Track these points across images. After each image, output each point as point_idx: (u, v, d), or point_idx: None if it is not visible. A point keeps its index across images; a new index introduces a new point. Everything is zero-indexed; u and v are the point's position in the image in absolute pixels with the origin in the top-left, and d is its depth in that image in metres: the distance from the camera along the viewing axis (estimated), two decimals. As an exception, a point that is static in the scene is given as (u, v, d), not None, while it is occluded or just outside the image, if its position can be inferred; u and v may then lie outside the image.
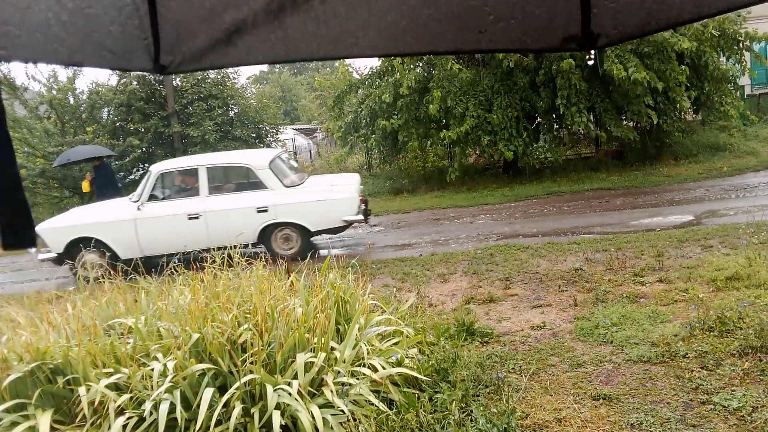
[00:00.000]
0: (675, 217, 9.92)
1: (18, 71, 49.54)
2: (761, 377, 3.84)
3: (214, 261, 5.08)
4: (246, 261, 5.27)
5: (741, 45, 16.29)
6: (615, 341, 4.75)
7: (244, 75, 71.78)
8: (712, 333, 4.56)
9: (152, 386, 3.38)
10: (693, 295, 5.65)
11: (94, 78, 40.71)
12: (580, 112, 14.54)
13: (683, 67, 14.37)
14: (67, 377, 3.53)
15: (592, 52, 2.42)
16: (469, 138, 15.47)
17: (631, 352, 4.48)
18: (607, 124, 15.33)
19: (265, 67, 59.49)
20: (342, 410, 3.44)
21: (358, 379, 3.76)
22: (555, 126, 16.60)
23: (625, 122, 15.61)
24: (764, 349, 4.12)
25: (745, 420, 3.38)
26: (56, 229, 9.43)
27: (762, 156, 15.76)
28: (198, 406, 3.24)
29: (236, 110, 21.94)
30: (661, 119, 15.71)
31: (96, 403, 3.37)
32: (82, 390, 3.38)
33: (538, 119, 15.89)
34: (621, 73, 13.48)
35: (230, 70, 22.23)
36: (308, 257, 5.96)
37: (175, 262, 5.34)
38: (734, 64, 16.79)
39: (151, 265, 7.89)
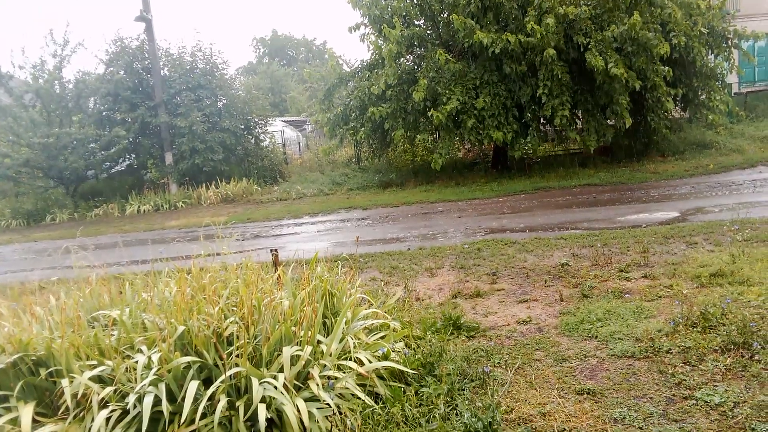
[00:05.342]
0: (661, 214, 10.00)
1: (3, 59, 48.73)
2: (743, 373, 3.88)
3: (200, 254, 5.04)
4: (234, 254, 5.24)
5: (730, 43, 16.42)
6: (600, 336, 4.78)
7: (233, 66, 71.06)
8: (695, 329, 4.61)
9: (136, 379, 3.35)
10: (677, 291, 5.70)
11: (81, 67, 40.24)
12: (562, 105, 14.62)
13: (667, 68, 14.49)
14: (50, 369, 3.49)
15: None
16: (456, 123, 15.48)
17: (615, 347, 4.52)
18: (588, 125, 15.49)
19: (254, 59, 59.13)
20: (328, 404, 3.44)
21: (344, 372, 3.76)
22: (542, 120, 16.68)
23: (608, 120, 15.72)
24: (746, 345, 4.17)
25: (726, 415, 3.42)
26: None
27: (747, 154, 15.92)
28: (183, 399, 3.22)
29: (224, 101, 21.79)
30: (648, 116, 15.83)
31: (79, 395, 3.34)
32: (65, 382, 3.35)
33: (528, 113, 15.96)
34: (599, 63, 13.59)
35: (219, 60, 22.03)
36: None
37: (160, 252, 5.30)
38: (722, 62, 16.92)
39: None
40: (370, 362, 3.89)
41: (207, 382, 3.45)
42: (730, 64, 16.88)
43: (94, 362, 3.57)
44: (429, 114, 15.22)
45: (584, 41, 14.24)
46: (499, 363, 4.45)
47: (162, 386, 3.27)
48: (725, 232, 7.77)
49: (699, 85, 16.34)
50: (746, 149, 16.51)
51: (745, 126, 19.07)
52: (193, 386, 3.25)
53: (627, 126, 14.91)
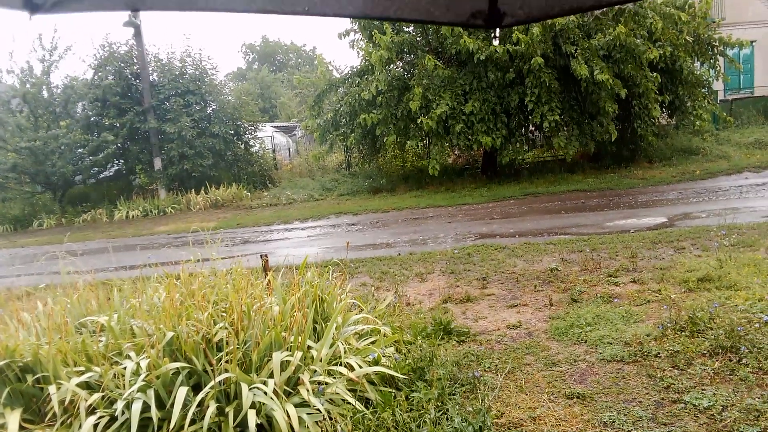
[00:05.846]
0: (649, 219, 10.08)
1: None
2: (731, 376, 3.92)
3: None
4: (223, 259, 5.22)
5: (715, 50, 16.60)
6: (589, 341, 4.80)
7: (222, 72, 70.92)
8: (683, 333, 4.64)
9: (125, 385, 3.32)
10: (665, 295, 5.74)
11: (69, 72, 39.98)
12: (551, 110, 14.71)
13: (654, 74, 14.64)
14: (37, 375, 3.46)
15: (497, 30, 2.57)
16: (446, 128, 15.53)
17: (604, 351, 4.54)
18: (570, 133, 15.60)
19: (243, 64, 59.03)
20: (318, 409, 3.42)
21: (334, 377, 3.75)
22: (529, 126, 16.78)
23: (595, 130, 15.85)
24: (734, 349, 4.20)
25: (714, 419, 3.44)
26: None
27: (733, 160, 16.09)
28: (172, 405, 3.20)
29: (214, 106, 21.71)
30: (635, 123, 15.97)
31: (66, 401, 3.31)
32: (52, 388, 3.31)
33: (515, 120, 16.04)
34: (584, 71, 13.70)
35: (208, 65, 22.00)
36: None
37: (149, 258, 5.27)
38: (708, 69, 17.09)
39: None
40: (361, 367, 3.88)
41: (196, 388, 3.43)
42: (716, 71, 17.07)
43: (82, 368, 3.54)
44: (419, 121, 15.27)
45: (572, 49, 14.36)
46: (489, 367, 4.46)
47: (151, 392, 3.25)
48: (712, 238, 7.84)
49: (685, 93, 16.49)
50: (732, 156, 16.69)
51: (731, 132, 19.29)
52: (182, 392, 3.23)
53: (613, 138, 15.05)
